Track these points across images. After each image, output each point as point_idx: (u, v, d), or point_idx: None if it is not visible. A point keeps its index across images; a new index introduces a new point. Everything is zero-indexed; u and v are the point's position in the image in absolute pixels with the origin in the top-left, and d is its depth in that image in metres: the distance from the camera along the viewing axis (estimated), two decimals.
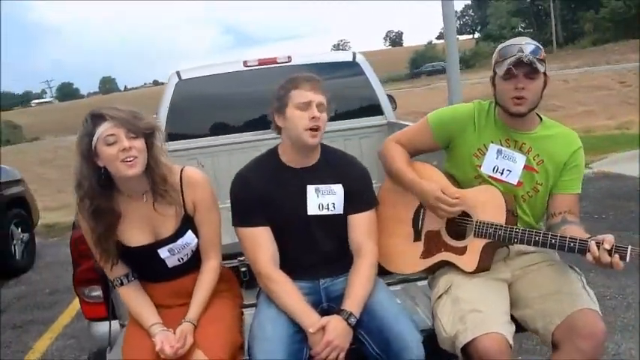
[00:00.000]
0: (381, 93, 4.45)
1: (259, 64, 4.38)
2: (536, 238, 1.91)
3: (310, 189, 2.08)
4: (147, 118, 1.94)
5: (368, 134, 4.38)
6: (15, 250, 5.68)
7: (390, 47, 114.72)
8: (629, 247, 1.74)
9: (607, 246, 1.73)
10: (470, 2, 74.88)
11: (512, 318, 1.96)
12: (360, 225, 2.10)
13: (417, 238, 2.17)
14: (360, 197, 2.11)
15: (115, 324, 2.26)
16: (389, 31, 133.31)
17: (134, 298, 1.98)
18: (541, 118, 2.14)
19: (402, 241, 2.19)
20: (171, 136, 4.24)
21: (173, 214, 1.97)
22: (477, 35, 72.64)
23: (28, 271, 5.77)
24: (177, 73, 4.36)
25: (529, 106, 1.99)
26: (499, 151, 2.08)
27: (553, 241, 1.88)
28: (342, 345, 1.86)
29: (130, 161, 1.83)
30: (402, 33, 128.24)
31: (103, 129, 1.82)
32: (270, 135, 4.29)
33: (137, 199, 1.95)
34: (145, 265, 2.01)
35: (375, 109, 4.41)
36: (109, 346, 2.18)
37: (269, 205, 2.05)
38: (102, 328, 2.28)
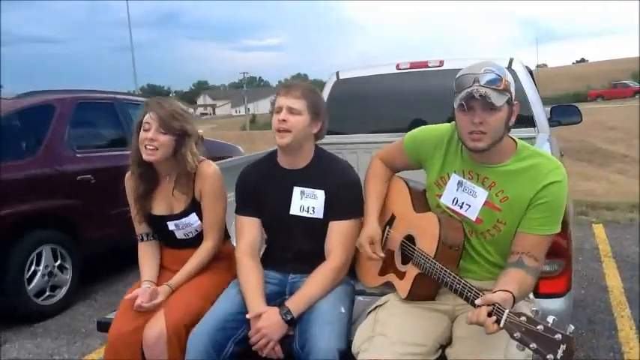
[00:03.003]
0: (536, 103, 4.11)
1: (411, 67, 4.46)
2: (446, 279, 1.79)
3: (296, 190, 2.23)
4: (185, 122, 2.31)
5: None
6: None
7: None
8: (506, 311, 1.53)
9: (488, 308, 1.57)
10: None
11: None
12: (335, 232, 2.19)
13: None
14: (340, 205, 2.19)
15: None
16: None
17: (145, 254, 2.42)
18: (517, 148, 1.89)
19: None
20: None
21: (185, 197, 2.35)
22: None
23: None
24: (337, 73, 4.71)
25: (489, 141, 1.80)
26: (460, 183, 1.94)
27: (457, 286, 1.75)
28: (271, 335, 2.00)
29: (150, 149, 2.25)
30: None
31: (146, 117, 2.29)
32: None
33: (163, 177, 2.39)
34: (160, 232, 2.44)
35: (526, 121, 4.10)
36: None
37: (259, 199, 2.28)
38: None
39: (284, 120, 2.14)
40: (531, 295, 2.01)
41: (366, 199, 2.19)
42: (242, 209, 2.31)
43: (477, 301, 1.61)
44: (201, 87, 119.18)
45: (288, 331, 2.05)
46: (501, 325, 1.52)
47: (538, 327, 1.49)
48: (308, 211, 2.22)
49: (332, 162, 2.30)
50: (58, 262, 4.34)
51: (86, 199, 4.56)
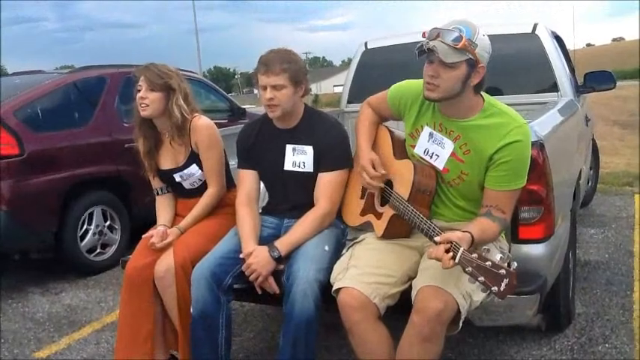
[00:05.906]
0: (560, 69, 4.10)
1: None
2: (415, 220, 1.96)
3: (289, 148, 2.45)
4: (169, 79, 2.55)
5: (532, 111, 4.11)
6: None
7: None
8: (461, 248, 1.70)
9: (446, 245, 1.73)
10: None
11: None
12: (323, 182, 2.40)
13: (362, 195, 2.36)
14: (326, 158, 2.39)
15: None
16: None
17: (160, 205, 2.73)
18: (484, 106, 2.00)
19: (354, 195, 2.40)
20: (351, 99, 4.82)
21: (184, 150, 2.63)
22: None
23: None
24: (365, 43, 4.84)
25: (442, 95, 1.93)
26: (431, 135, 2.08)
27: (423, 226, 1.92)
28: (260, 270, 2.26)
29: (143, 106, 2.54)
30: None
31: (139, 80, 2.57)
32: None
33: (163, 134, 2.67)
34: (171, 185, 2.73)
35: (549, 86, 4.12)
36: None
37: (256, 155, 2.52)
38: None
39: (271, 98, 2.32)
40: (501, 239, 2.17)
41: (357, 138, 2.35)
42: (241, 163, 2.57)
43: (436, 239, 1.79)
44: None
45: (278, 267, 2.29)
46: (456, 260, 1.70)
47: (486, 263, 1.68)
48: (299, 166, 2.44)
49: (320, 120, 2.49)
50: (108, 222, 4.75)
51: (133, 165, 4.92)
